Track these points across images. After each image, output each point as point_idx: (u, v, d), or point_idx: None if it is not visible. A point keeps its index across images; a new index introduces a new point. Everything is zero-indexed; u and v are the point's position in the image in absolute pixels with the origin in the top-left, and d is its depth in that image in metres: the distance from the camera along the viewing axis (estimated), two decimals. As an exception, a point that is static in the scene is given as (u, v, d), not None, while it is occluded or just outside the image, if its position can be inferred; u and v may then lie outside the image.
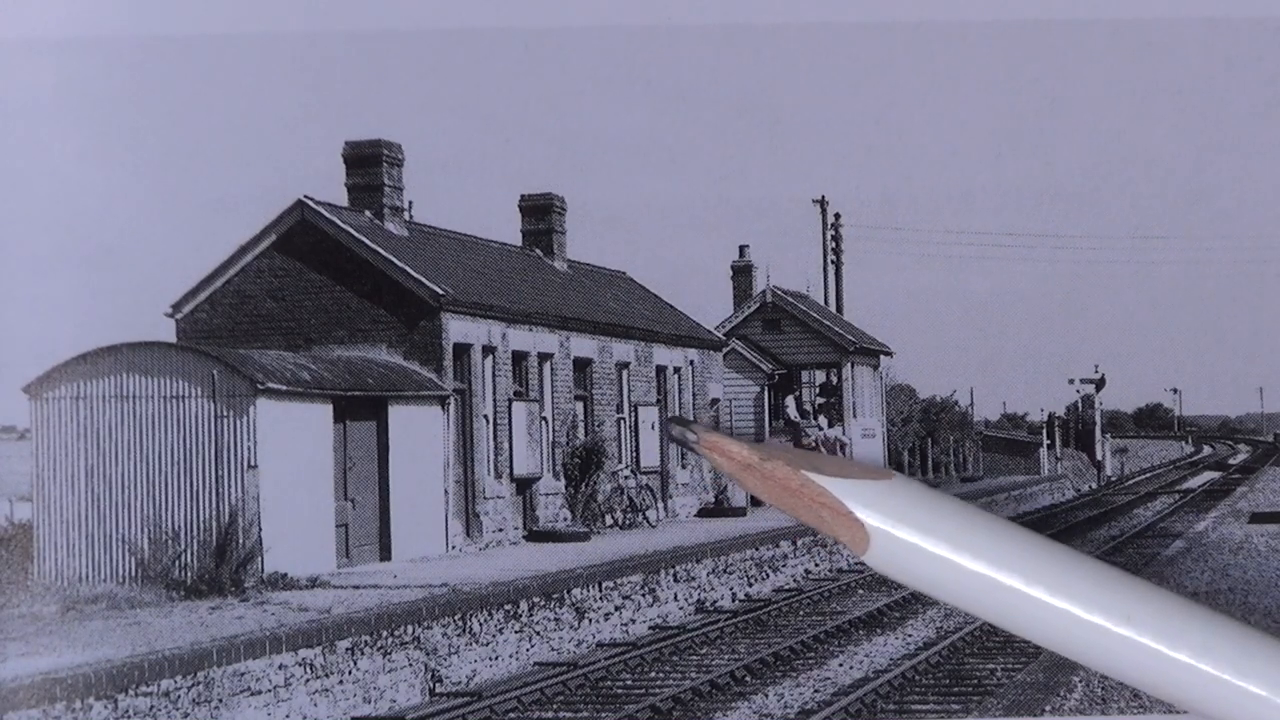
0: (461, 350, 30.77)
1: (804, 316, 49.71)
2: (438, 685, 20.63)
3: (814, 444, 45.24)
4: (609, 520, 34.95)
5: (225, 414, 24.92)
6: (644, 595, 26.36)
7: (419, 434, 28.99)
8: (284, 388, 25.54)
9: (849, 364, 49.23)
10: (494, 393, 31.75)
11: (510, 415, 32.05)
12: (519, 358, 32.93)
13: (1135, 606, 1.45)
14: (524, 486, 32.51)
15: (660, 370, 38.90)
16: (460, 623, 21.37)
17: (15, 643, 18.00)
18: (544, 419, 33.49)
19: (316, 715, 18.63)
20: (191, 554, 24.26)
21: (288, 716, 18.21)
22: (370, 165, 31.86)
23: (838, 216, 57.35)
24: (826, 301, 55.60)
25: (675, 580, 27.58)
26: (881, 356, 52.15)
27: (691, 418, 38.93)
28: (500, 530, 31.38)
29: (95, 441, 25.18)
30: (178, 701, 16.73)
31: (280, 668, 18.16)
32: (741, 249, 51.40)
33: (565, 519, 33.47)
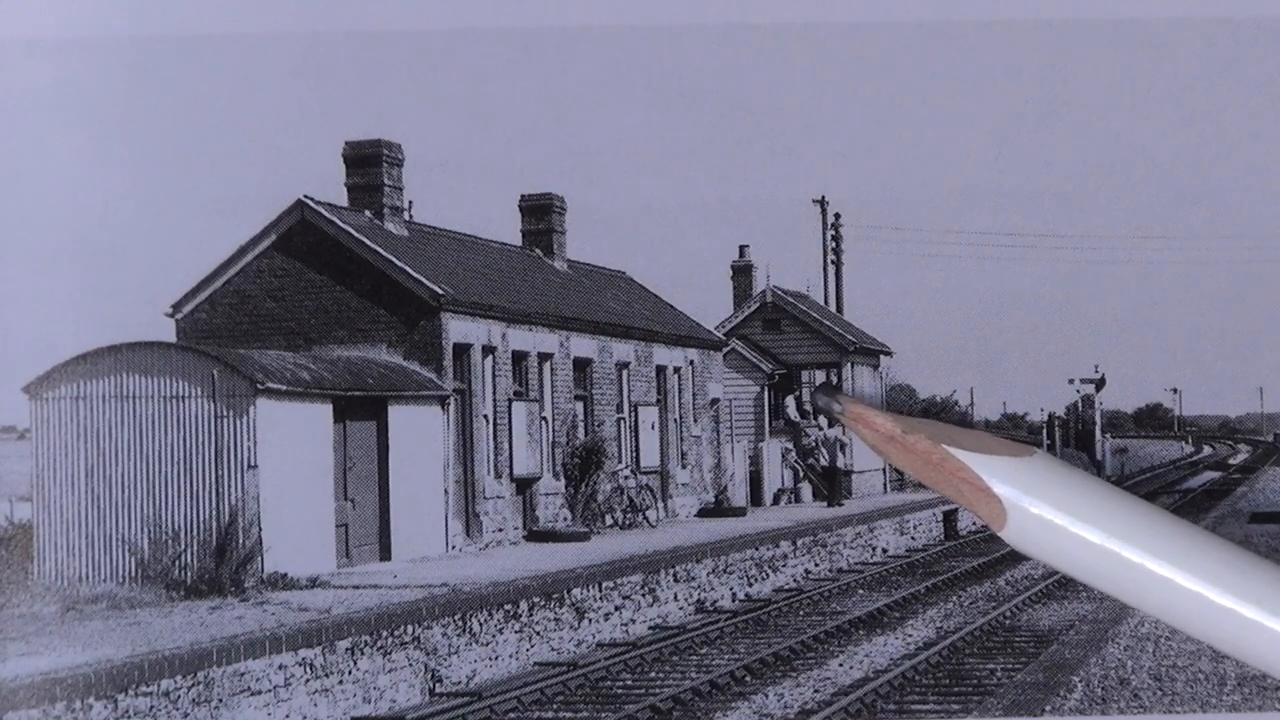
0: (461, 350, 30.77)
1: (804, 316, 49.73)
2: (438, 685, 20.62)
3: (813, 444, 45.24)
4: (609, 520, 34.94)
5: (225, 414, 24.91)
6: (644, 595, 26.35)
7: (419, 434, 28.98)
8: (284, 388, 25.54)
9: (849, 364, 49.24)
10: (494, 393, 31.75)
11: (510, 415, 32.05)
12: (519, 358, 32.93)
13: (1269, 592, 1.45)
14: (524, 486, 32.50)
15: (660, 370, 38.90)
16: (460, 623, 21.37)
17: (15, 643, 18.00)
18: (544, 419, 33.48)
19: (316, 715, 18.62)
20: (191, 554, 24.25)
21: (288, 716, 18.21)
22: (370, 165, 31.86)
23: (838, 216, 57.37)
24: (826, 301, 55.62)
25: (675, 580, 27.58)
26: (881, 356, 52.17)
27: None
28: (500, 530, 31.37)
29: (95, 441, 25.17)
30: (178, 701, 16.73)
31: (280, 668, 18.16)
32: (741, 249, 51.45)
33: (565, 519, 33.46)
